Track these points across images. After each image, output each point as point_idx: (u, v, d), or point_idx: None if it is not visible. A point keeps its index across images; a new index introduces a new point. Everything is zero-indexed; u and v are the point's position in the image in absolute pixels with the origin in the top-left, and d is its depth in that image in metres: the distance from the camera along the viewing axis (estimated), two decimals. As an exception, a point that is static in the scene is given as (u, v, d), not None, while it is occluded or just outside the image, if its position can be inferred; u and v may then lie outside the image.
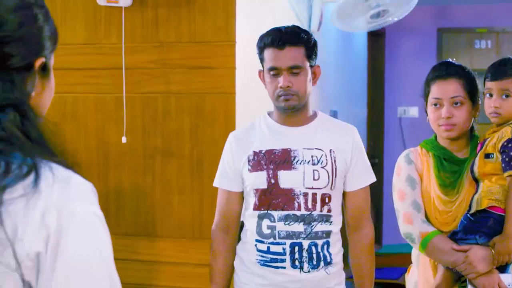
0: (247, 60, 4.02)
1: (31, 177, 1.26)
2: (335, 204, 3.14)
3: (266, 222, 3.10)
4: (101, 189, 4.08)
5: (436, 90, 3.12)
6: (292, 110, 3.10)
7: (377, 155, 8.59)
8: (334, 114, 6.25)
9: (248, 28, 4.07)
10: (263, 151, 3.13)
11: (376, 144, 8.62)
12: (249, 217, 3.16)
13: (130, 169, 4.10)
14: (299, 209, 3.07)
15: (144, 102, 4.07)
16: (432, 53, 8.77)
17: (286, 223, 3.06)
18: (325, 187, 3.08)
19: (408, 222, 3.12)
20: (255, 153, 3.14)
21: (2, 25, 1.33)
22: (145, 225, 4.07)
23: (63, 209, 1.26)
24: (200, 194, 3.98)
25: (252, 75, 4.11)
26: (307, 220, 3.07)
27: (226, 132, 3.89)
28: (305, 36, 3.10)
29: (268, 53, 3.08)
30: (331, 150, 3.12)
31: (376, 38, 8.61)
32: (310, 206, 3.07)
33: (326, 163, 3.10)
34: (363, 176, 3.21)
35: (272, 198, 3.08)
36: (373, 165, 9.19)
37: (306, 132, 3.16)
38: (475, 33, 8.82)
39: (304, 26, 5.09)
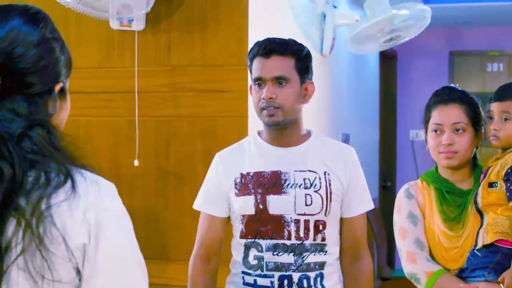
0: (259, 83, 4.03)
1: (69, 183, 1.53)
2: (331, 232, 2.86)
3: (253, 252, 2.82)
4: (114, 212, 4.08)
5: (437, 115, 2.97)
6: (277, 126, 2.83)
7: (389, 178, 8.58)
8: (346, 137, 6.25)
9: (260, 51, 4.08)
10: (251, 173, 2.85)
11: (388, 167, 8.60)
12: (236, 245, 2.91)
13: (142, 192, 4.11)
14: (289, 238, 2.78)
15: (156, 125, 4.09)
16: (444, 76, 8.77)
17: (275, 253, 2.78)
18: (318, 213, 2.80)
19: (411, 261, 2.93)
20: (242, 175, 2.87)
21: (25, 58, 1.57)
22: (157, 249, 4.07)
23: (99, 207, 1.56)
24: (213, 217, 3.98)
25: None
26: (298, 250, 2.78)
27: (239, 155, 3.90)
28: (296, 47, 2.86)
29: (255, 63, 2.86)
30: (325, 172, 2.84)
31: (388, 60, 8.62)
32: (302, 234, 2.78)
33: (320, 187, 2.82)
34: (360, 201, 2.94)
35: (260, 226, 2.81)
36: (386, 188, 9.16)
37: (298, 152, 2.88)
38: (487, 56, 8.82)
39: (316, 50, 5.10)
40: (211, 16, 3.98)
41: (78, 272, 1.54)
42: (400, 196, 3.07)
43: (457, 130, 2.93)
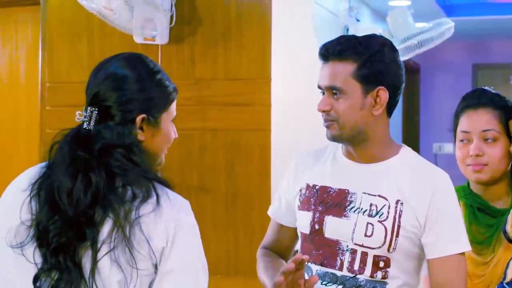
0: (282, 97, 4.04)
1: (154, 197, 1.93)
2: (398, 272, 2.36)
3: (306, 277, 2.34)
4: (137, 225, 4.09)
5: (465, 122, 2.56)
6: (337, 141, 2.45)
7: (412, 191, 8.52)
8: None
9: (283, 65, 4.09)
10: (317, 187, 2.46)
11: (411, 180, 8.55)
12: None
13: (165, 205, 4.11)
14: (340, 268, 2.37)
15: (180, 139, 4.07)
16: (467, 89, 8.70)
17: (323, 282, 2.40)
18: (379, 247, 2.33)
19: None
20: (308, 186, 2.49)
21: (107, 99, 2.00)
22: (181, 261, 4.07)
23: (177, 220, 1.94)
24: (235, 230, 3.98)
25: (287, 112, 4.13)
26: (348, 284, 2.36)
27: (262, 168, 3.91)
28: (360, 49, 2.36)
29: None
30: (398, 201, 2.35)
31: (411, 73, 8.61)
32: (356, 267, 2.35)
33: (387, 217, 2.34)
34: (450, 240, 2.34)
35: (313, 248, 2.43)
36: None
37: (373, 171, 2.41)
38: (511, 69, 8.79)
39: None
40: (235, 29, 4.00)
41: (156, 267, 1.91)
42: None
43: (487, 139, 2.52)
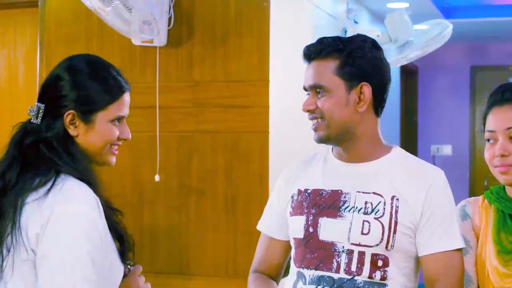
0: (281, 99, 4.04)
1: (47, 187, 2.01)
2: (397, 272, 2.29)
3: (298, 284, 2.35)
4: (136, 227, 4.09)
5: (490, 120, 2.35)
6: (325, 143, 2.40)
7: (410, 193, 8.52)
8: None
9: (282, 67, 4.09)
10: (309, 191, 2.40)
11: (409, 182, 8.55)
12: (290, 274, 2.43)
13: (164, 207, 4.11)
14: (337, 271, 2.28)
15: (178, 141, 4.10)
16: (465, 91, 8.74)
17: (318, 287, 2.30)
18: (377, 245, 2.27)
19: None
20: (299, 192, 2.43)
21: (44, 95, 2.16)
22: (180, 263, 4.08)
23: (55, 208, 1.98)
24: (234, 232, 3.98)
25: (286, 114, 4.13)
26: (345, 286, 2.27)
27: (261, 171, 3.91)
28: (340, 46, 2.35)
29: None
30: (394, 197, 2.30)
31: (409, 75, 8.61)
32: (353, 268, 2.27)
33: (383, 214, 2.28)
34: (445, 237, 2.30)
35: (307, 252, 2.34)
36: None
37: (366, 170, 2.37)
38: (509, 70, 8.79)
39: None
40: (233, 31, 4.00)
41: (34, 253, 1.98)
42: None
43: None
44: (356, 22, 5.32)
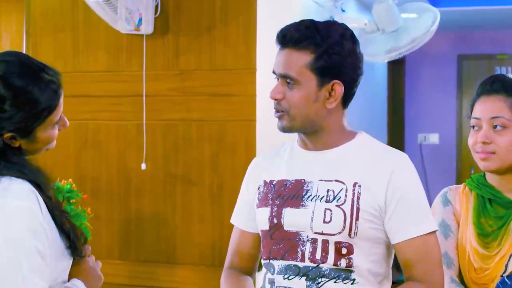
0: (267, 87, 4.00)
1: None
2: (363, 259, 2.26)
3: (268, 275, 2.34)
4: (122, 215, 4.09)
5: (477, 108, 2.45)
6: (287, 132, 2.34)
7: (397, 181, 8.55)
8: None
9: (269, 55, 4.07)
10: (274, 182, 2.37)
11: (396, 170, 8.58)
12: (262, 267, 2.42)
13: (150, 196, 4.11)
14: (302, 259, 2.26)
15: (165, 129, 4.09)
16: (452, 80, 8.75)
17: (286, 276, 2.28)
18: (339, 232, 2.23)
19: None
20: (265, 183, 2.40)
21: None
22: (166, 252, 4.08)
23: None
24: (220, 222, 3.99)
25: (272, 102, 4.12)
26: (311, 274, 2.25)
27: (247, 160, 3.89)
28: (319, 39, 2.25)
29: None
30: (356, 183, 2.26)
31: (396, 65, 8.62)
32: (318, 256, 2.25)
33: (345, 201, 2.24)
34: (415, 222, 2.24)
35: (273, 243, 2.32)
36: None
37: (329, 158, 2.32)
38: (496, 59, 8.80)
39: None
40: (219, 20, 3.99)
41: None
42: (436, 201, 2.57)
43: (495, 126, 2.40)
44: (343, 11, 5.30)
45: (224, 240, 3.98)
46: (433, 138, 8.48)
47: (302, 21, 2.32)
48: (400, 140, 8.72)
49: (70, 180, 3.59)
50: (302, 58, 2.24)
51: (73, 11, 4.23)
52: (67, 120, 2.19)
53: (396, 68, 8.72)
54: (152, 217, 4.08)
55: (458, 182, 7.74)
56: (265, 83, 3.99)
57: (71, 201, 3.53)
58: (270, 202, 2.33)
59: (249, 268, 2.51)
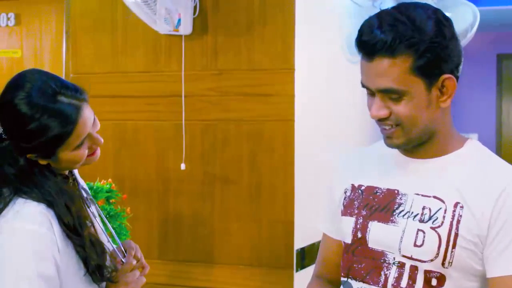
0: (306, 87, 4.03)
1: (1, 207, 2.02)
2: None
3: None
4: (160, 215, 4.10)
5: None
6: (402, 148, 2.04)
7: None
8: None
9: (307, 55, 4.07)
10: (362, 187, 2.09)
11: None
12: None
13: (189, 196, 4.12)
14: (384, 285, 1.97)
15: (203, 129, 4.10)
16: (492, 80, 8.69)
17: None
18: (431, 260, 1.91)
19: None
20: (353, 187, 2.13)
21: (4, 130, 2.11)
22: (204, 252, 4.08)
23: (4, 226, 1.99)
24: (259, 221, 3.98)
25: (311, 102, 4.12)
26: None
27: (285, 159, 3.90)
28: (415, 37, 1.86)
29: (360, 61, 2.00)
30: (457, 204, 1.91)
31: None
32: (403, 284, 1.94)
33: (442, 223, 1.91)
34: None
35: (355, 261, 2.05)
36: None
37: (430, 168, 2.01)
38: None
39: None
40: (258, 20, 3.98)
41: None
42: None
43: None
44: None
45: (262, 240, 3.97)
46: (473, 138, 8.42)
47: (381, 19, 1.94)
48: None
49: (109, 180, 3.62)
50: (401, 64, 1.89)
51: (112, 12, 4.26)
52: (100, 138, 2.22)
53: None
54: (190, 217, 4.09)
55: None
56: (303, 82, 3.99)
57: (111, 200, 3.55)
58: (356, 211, 2.07)
59: (334, 277, 2.23)
